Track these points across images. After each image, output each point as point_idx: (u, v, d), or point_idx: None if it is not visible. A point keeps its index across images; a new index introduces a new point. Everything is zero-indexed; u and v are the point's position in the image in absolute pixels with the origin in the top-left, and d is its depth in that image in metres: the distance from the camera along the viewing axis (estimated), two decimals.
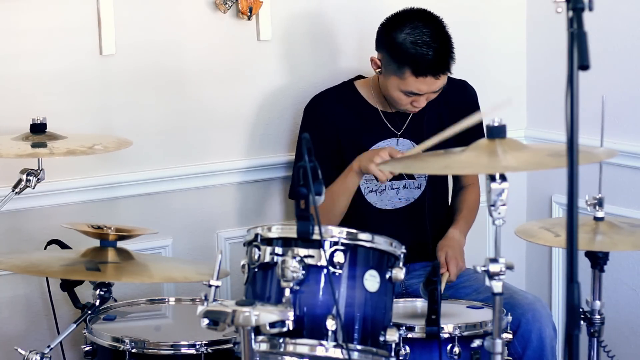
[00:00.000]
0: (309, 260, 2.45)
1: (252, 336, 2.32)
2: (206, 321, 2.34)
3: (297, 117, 3.60)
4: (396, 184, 3.40)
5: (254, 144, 3.63)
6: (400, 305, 3.10)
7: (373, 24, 3.36)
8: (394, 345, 2.56)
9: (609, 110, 3.16)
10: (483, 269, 2.36)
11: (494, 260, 2.35)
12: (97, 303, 2.86)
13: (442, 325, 2.73)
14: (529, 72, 4.10)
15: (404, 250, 2.60)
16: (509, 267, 2.36)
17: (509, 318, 2.96)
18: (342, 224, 3.29)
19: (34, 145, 2.95)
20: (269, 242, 2.51)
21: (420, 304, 3.10)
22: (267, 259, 2.49)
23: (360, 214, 3.38)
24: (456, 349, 2.82)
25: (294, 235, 2.42)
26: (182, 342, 2.82)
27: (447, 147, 2.78)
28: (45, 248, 3.11)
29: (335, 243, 2.48)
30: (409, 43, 3.16)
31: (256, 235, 2.54)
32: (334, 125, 3.38)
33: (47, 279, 3.25)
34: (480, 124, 3.45)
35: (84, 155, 3.00)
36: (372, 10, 3.65)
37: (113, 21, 3.35)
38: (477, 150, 2.47)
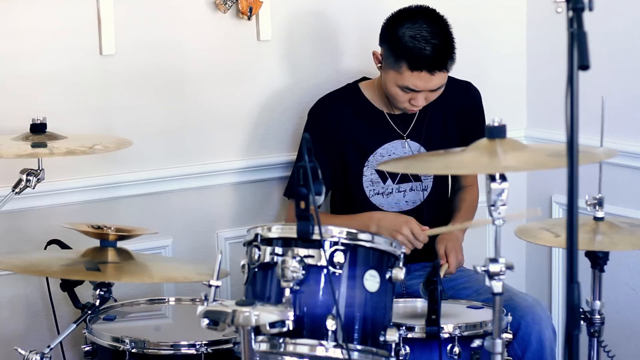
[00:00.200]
0: (309, 260, 2.45)
1: (252, 336, 2.32)
2: (206, 321, 2.34)
3: (298, 117, 3.60)
4: (403, 186, 3.40)
5: (254, 144, 3.63)
6: (400, 305, 3.10)
7: (374, 23, 3.36)
8: (394, 345, 2.56)
9: (609, 110, 3.16)
10: (483, 269, 2.36)
11: (494, 260, 2.35)
12: (97, 303, 2.86)
13: (442, 325, 2.73)
14: (529, 72, 4.10)
15: (404, 250, 2.60)
16: (509, 267, 2.36)
17: (509, 318, 2.96)
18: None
19: (34, 145, 2.95)
20: (269, 242, 2.51)
21: (420, 304, 3.10)
22: (267, 259, 2.49)
23: None
24: (456, 349, 2.82)
25: (294, 235, 2.42)
26: (182, 342, 2.82)
27: (447, 147, 2.78)
28: (45, 248, 3.11)
29: (335, 243, 2.48)
30: (407, 37, 3.17)
31: (256, 235, 2.54)
32: (339, 129, 3.38)
33: (47, 279, 3.25)
34: (482, 126, 3.46)
35: (84, 155, 3.00)
36: (373, 9, 3.66)
37: (113, 21, 3.35)
38: (477, 150, 2.47)
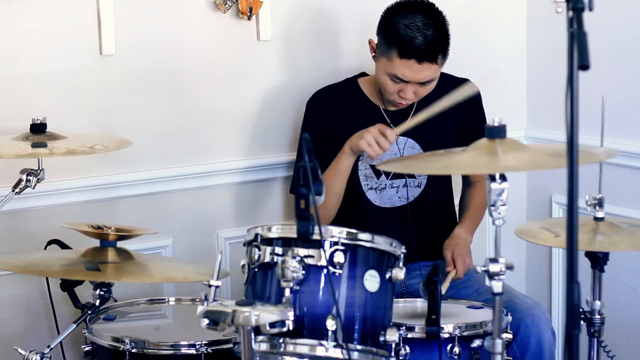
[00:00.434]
0: (309, 260, 2.45)
1: (252, 336, 2.32)
2: (206, 321, 2.34)
3: (298, 117, 3.60)
4: (396, 182, 3.40)
5: (254, 144, 3.63)
6: (400, 305, 3.10)
7: (374, 23, 3.36)
8: (394, 345, 2.56)
9: (609, 110, 3.16)
10: (483, 269, 2.37)
11: (494, 260, 2.35)
12: (97, 303, 2.86)
13: (442, 325, 2.73)
14: (529, 72, 4.10)
15: (404, 250, 2.60)
16: (509, 267, 2.36)
17: (509, 318, 2.96)
18: (342, 222, 3.29)
19: (34, 145, 2.95)
20: (269, 242, 2.51)
21: (420, 304, 3.10)
22: (267, 259, 2.49)
23: (360, 212, 3.38)
24: (456, 349, 2.82)
25: (294, 235, 2.42)
26: (182, 342, 2.82)
27: (448, 147, 2.78)
28: (45, 248, 3.11)
29: (335, 243, 2.48)
30: (401, 25, 3.19)
31: (256, 235, 2.54)
32: (335, 121, 3.39)
33: (47, 279, 3.25)
34: (482, 125, 3.46)
35: (84, 155, 3.01)
36: (373, 9, 3.65)
37: (113, 21, 3.35)
38: (477, 150, 2.47)
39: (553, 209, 4.01)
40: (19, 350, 2.77)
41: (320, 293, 2.46)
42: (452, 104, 3.02)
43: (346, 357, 2.44)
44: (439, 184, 3.46)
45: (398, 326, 2.67)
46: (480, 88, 3.53)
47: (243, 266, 2.57)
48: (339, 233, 2.49)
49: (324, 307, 2.45)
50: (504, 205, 2.35)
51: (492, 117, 2.49)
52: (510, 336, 2.96)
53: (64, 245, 3.07)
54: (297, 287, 2.44)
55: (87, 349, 2.93)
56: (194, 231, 3.58)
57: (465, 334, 2.83)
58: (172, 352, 2.82)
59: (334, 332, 2.44)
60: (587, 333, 2.95)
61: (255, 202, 3.66)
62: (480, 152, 2.45)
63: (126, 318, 3.06)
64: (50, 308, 3.27)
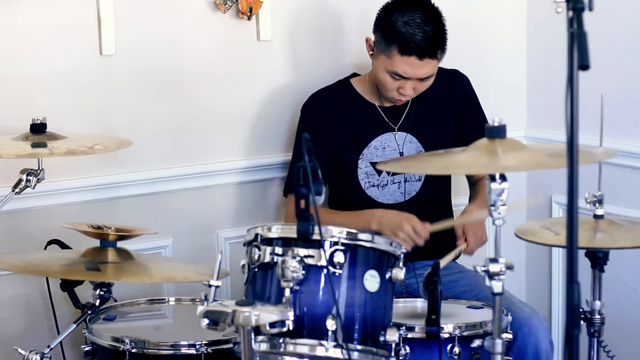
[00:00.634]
0: (309, 260, 2.45)
1: (252, 336, 2.32)
2: (206, 321, 2.34)
3: (298, 117, 3.60)
4: (397, 177, 3.41)
5: (253, 144, 3.63)
6: (400, 305, 3.10)
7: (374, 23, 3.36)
8: (394, 345, 2.56)
9: (609, 110, 3.16)
10: (483, 269, 2.36)
11: (494, 260, 2.35)
12: (97, 303, 2.86)
13: (442, 325, 2.73)
14: (529, 72, 4.10)
15: (404, 250, 2.60)
16: (509, 267, 2.36)
17: (509, 318, 2.96)
18: None
19: (34, 145, 2.95)
20: (269, 242, 2.51)
21: (420, 304, 3.10)
22: (267, 259, 2.49)
23: (361, 208, 3.38)
24: (456, 349, 2.82)
25: (294, 235, 2.42)
26: (182, 342, 2.82)
27: (445, 141, 2.78)
28: (45, 248, 3.11)
29: (335, 243, 2.48)
30: (400, 22, 3.21)
31: (256, 235, 2.54)
32: (332, 122, 3.39)
33: (47, 279, 3.25)
34: (481, 114, 3.46)
35: (84, 155, 3.00)
36: (373, 9, 3.65)
37: (113, 21, 3.35)
38: (477, 150, 2.47)
39: (553, 209, 4.01)
40: (19, 350, 2.77)
41: (320, 293, 2.46)
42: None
43: (346, 357, 2.44)
44: (437, 178, 3.47)
45: (398, 326, 2.67)
46: (480, 88, 3.54)
47: (243, 266, 2.57)
48: (339, 233, 2.49)
49: (324, 307, 2.45)
50: (504, 205, 2.35)
51: (492, 117, 2.49)
52: (511, 336, 2.95)
53: (64, 245, 3.07)
54: (297, 287, 2.44)
55: (87, 349, 2.93)
56: (194, 231, 3.58)
57: (465, 334, 2.83)
58: (172, 352, 2.82)
59: (334, 332, 2.44)
60: (587, 333, 2.95)
61: (255, 202, 3.66)
62: (480, 152, 2.45)
63: (126, 318, 3.06)
64: (50, 308, 3.27)
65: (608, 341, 3.03)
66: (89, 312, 2.88)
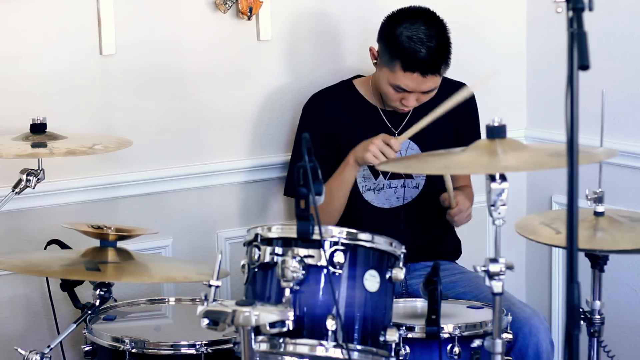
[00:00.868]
0: (309, 260, 2.45)
1: (252, 336, 2.32)
2: (206, 321, 2.34)
3: (298, 117, 3.60)
4: (394, 182, 3.40)
5: (253, 144, 3.63)
6: (400, 305, 3.10)
7: (374, 23, 3.36)
8: (394, 345, 2.56)
9: (609, 110, 3.15)
10: (483, 269, 2.36)
11: (494, 260, 2.35)
12: (97, 303, 2.86)
13: (442, 325, 2.73)
14: (529, 72, 4.10)
15: (404, 250, 2.60)
16: (509, 267, 2.36)
17: (509, 318, 2.96)
18: (340, 222, 3.30)
19: (34, 145, 2.95)
20: (269, 242, 2.51)
21: (420, 304, 3.10)
22: (267, 259, 2.49)
23: (358, 212, 3.38)
24: (456, 349, 2.82)
25: (294, 235, 2.42)
26: (182, 342, 2.82)
27: (447, 147, 2.78)
28: (45, 248, 3.11)
29: (335, 243, 2.48)
30: (404, 36, 3.18)
31: (256, 235, 2.54)
32: (333, 123, 3.39)
33: (47, 279, 3.25)
34: (477, 127, 3.46)
35: (84, 155, 3.00)
36: (373, 9, 3.66)
37: (113, 21, 3.35)
38: (477, 150, 2.47)
39: (553, 209, 4.01)
40: (19, 350, 2.77)
41: (320, 293, 2.45)
42: (451, 107, 3.02)
43: (346, 357, 2.44)
44: (436, 186, 3.46)
45: (398, 326, 2.67)
46: (480, 88, 3.54)
47: (243, 266, 2.57)
48: (339, 233, 2.49)
49: (324, 307, 2.45)
50: (504, 205, 2.34)
51: (492, 117, 2.49)
52: (511, 336, 2.95)
53: (64, 245, 3.07)
54: (297, 287, 2.44)
55: (87, 349, 2.93)
56: (194, 231, 3.58)
57: (465, 334, 2.83)
58: (172, 352, 2.82)
59: (334, 332, 2.44)
60: (587, 333, 2.95)
61: (255, 202, 3.66)
62: (480, 152, 2.45)
63: (126, 318, 3.06)
64: (50, 308, 3.27)
65: (608, 341, 3.03)
66: (89, 312, 2.88)
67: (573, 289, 1.98)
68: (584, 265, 2.35)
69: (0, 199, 3.05)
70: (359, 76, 3.51)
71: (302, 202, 2.33)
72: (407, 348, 2.78)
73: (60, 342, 2.91)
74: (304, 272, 2.44)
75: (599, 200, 2.85)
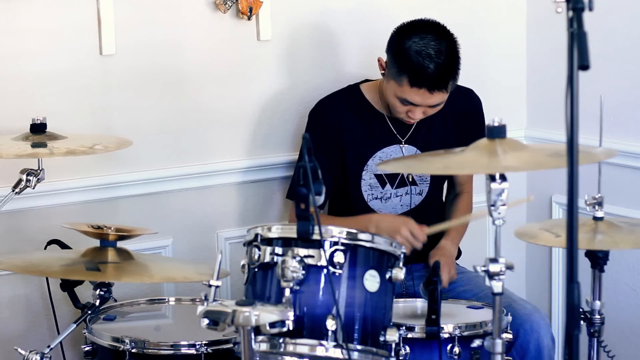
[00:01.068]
0: (309, 260, 2.45)
1: (252, 336, 2.32)
2: (206, 321, 2.34)
3: (298, 117, 3.60)
4: (400, 191, 3.40)
5: (254, 144, 3.63)
6: (400, 305, 3.10)
7: (373, 23, 3.37)
8: (394, 345, 2.56)
9: (609, 110, 3.16)
10: (483, 269, 2.37)
11: (494, 260, 2.35)
12: (97, 303, 2.86)
13: (442, 325, 2.73)
14: (529, 72, 4.10)
15: (404, 250, 2.60)
16: (509, 267, 2.36)
17: (509, 318, 2.96)
18: None
19: (34, 145, 2.95)
20: (269, 242, 2.51)
21: (420, 304, 3.10)
22: (267, 259, 2.49)
23: None
24: (456, 349, 2.82)
25: (294, 235, 2.42)
26: (182, 342, 2.82)
27: (447, 147, 2.78)
28: (45, 248, 3.11)
29: (335, 243, 2.48)
30: (413, 51, 3.14)
31: (256, 235, 2.54)
32: (339, 131, 3.36)
33: (47, 279, 3.25)
34: (482, 132, 3.46)
35: (84, 155, 3.00)
36: (373, 9, 3.66)
37: (113, 21, 3.35)
38: (477, 150, 2.47)
39: (553, 209, 4.01)
40: (19, 350, 2.77)
41: (320, 293, 2.46)
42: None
43: (346, 357, 2.44)
44: (438, 193, 3.47)
45: (398, 326, 2.67)
46: (480, 88, 3.54)
47: (243, 266, 2.57)
48: (339, 233, 2.49)
49: (324, 307, 2.45)
50: (503, 205, 2.35)
51: (492, 117, 2.49)
52: (511, 336, 2.96)
53: (64, 245, 3.07)
54: (297, 287, 2.44)
55: (87, 349, 2.93)
56: (194, 231, 3.58)
57: (465, 334, 2.83)
58: (172, 352, 2.82)
59: (334, 332, 2.44)
60: (587, 333, 2.95)
61: (256, 202, 3.66)
62: (480, 152, 2.45)
63: (126, 318, 3.06)
64: (50, 308, 3.27)
65: (608, 341, 3.03)
66: (89, 312, 2.88)
67: (573, 289, 1.98)
68: (584, 265, 2.35)
69: (0, 199, 3.05)
70: (366, 80, 3.49)
71: (302, 203, 2.33)
72: (407, 348, 2.79)
73: (60, 342, 2.91)
74: (304, 272, 2.44)
75: (598, 204, 2.85)
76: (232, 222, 3.63)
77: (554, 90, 3.92)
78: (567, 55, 1.96)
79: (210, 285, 2.42)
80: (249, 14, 3.49)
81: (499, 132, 2.47)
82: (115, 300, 3.08)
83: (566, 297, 2.00)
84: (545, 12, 3.96)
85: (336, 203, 3.45)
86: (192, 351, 2.80)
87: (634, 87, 3.70)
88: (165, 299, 3.23)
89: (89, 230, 2.86)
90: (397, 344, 2.62)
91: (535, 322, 3.11)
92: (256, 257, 2.51)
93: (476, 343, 2.82)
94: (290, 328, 2.40)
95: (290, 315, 2.39)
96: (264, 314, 2.30)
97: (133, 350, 2.80)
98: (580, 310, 2.73)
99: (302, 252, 2.45)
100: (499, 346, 2.41)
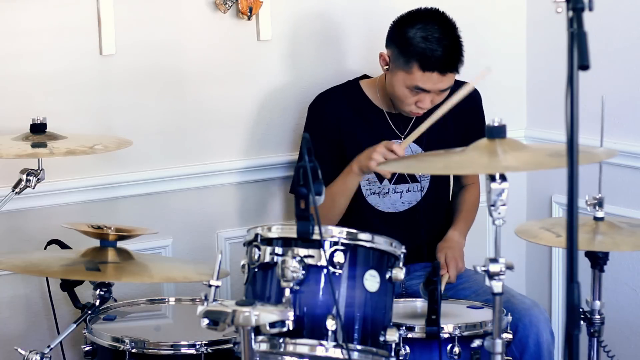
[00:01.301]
0: (309, 260, 2.45)
1: (252, 336, 2.32)
2: (206, 321, 2.34)
3: (298, 117, 3.60)
4: (400, 187, 3.40)
5: (254, 144, 3.63)
6: (400, 305, 3.10)
7: (374, 23, 3.36)
8: (394, 345, 2.56)
9: (609, 110, 3.15)
10: (483, 269, 2.36)
11: (494, 260, 2.35)
12: (97, 303, 2.86)
13: (442, 325, 2.73)
14: (529, 72, 4.10)
15: (404, 250, 2.60)
16: (509, 267, 2.36)
17: (509, 318, 2.96)
18: (343, 225, 3.29)
19: (34, 145, 2.95)
20: (269, 242, 2.51)
21: (420, 304, 3.10)
22: (267, 259, 2.49)
23: (361, 216, 3.37)
24: (456, 349, 2.82)
25: (294, 235, 2.42)
26: (182, 342, 2.82)
27: (447, 147, 2.78)
28: (45, 248, 3.11)
29: (335, 243, 2.48)
30: (419, 38, 3.17)
31: (256, 235, 2.54)
32: (338, 125, 3.38)
33: (47, 279, 3.25)
34: (482, 127, 3.45)
35: (84, 155, 3.00)
36: (374, 9, 3.66)
37: (113, 21, 3.35)
38: (477, 150, 2.47)
39: (553, 209, 4.01)
40: (19, 350, 2.77)
41: (320, 293, 2.46)
42: (453, 105, 3.01)
43: (346, 357, 2.44)
44: (439, 189, 3.46)
45: (398, 326, 2.67)
46: (480, 88, 3.54)
47: (243, 266, 2.57)
48: (339, 233, 2.49)
49: (324, 307, 2.45)
50: (504, 205, 2.34)
51: (492, 117, 2.49)
52: (510, 336, 2.96)
53: (64, 245, 3.07)
54: (297, 287, 2.44)
55: (87, 349, 2.93)
56: (194, 231, 3.58)
57: (465, 334, 2.83)
58: (172, 352, 2.82)
59: (334, 332, 2.44)
60: (587, 333, 2.95)
61: (255, 202, 3.66)
62: (480, 152, 2.45)
63: (126, 318, 3.06)
64: (50, 308, 3.27)
65: (608, 341, 3.03)
66: (89, 312, 2.88)
67: (573, 289, 1.98)
68: (584, 265, 2.35)
69: (0, 199, 3.05)
70: (365, 76, 3.50)
71: (302, 202, 2.33)
72: (407, 348, 2.79)
73: (60, 342, 2.91)
74: (304, 272, 2.44)
75: (598, 205, 2.86)
76: (232, 222, 3.63)
77: (554, 90, 3.92)
78: (567, 55, 1.96)
79: (210, 285, 2.42)
80: (249, 14, 3.49)
81: (499, 132, 2.46)
82: (115, 300, 3.08)
83: (566, 297, 2.00)
84: (545, 12, 3.96)
85: None
86: (192, 351, 2.80)
87: (634, 87, 3.70)
88: (165, 299, 3.23)
89: (89, 230, 2.86)
90: (397, 344, 2.62)
91: (534, 316, 3.12)
92: (256, 257, 2.52)
93: (476, 343, 2.82)
94: (290, 328, 2.40)
95: (290, 315, 2.39)
96: (264, 314, 2.30)
97: (133, 350, 2.80)
98: (580, 310, 2.74)
99: (302, 252, 2.45)
100: (499, 346, 2.41)
